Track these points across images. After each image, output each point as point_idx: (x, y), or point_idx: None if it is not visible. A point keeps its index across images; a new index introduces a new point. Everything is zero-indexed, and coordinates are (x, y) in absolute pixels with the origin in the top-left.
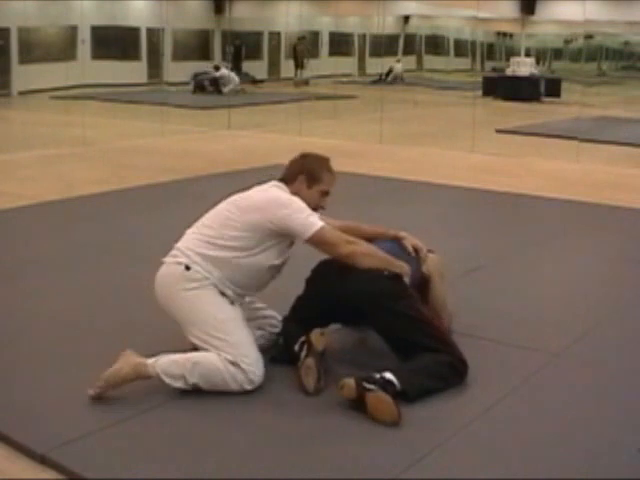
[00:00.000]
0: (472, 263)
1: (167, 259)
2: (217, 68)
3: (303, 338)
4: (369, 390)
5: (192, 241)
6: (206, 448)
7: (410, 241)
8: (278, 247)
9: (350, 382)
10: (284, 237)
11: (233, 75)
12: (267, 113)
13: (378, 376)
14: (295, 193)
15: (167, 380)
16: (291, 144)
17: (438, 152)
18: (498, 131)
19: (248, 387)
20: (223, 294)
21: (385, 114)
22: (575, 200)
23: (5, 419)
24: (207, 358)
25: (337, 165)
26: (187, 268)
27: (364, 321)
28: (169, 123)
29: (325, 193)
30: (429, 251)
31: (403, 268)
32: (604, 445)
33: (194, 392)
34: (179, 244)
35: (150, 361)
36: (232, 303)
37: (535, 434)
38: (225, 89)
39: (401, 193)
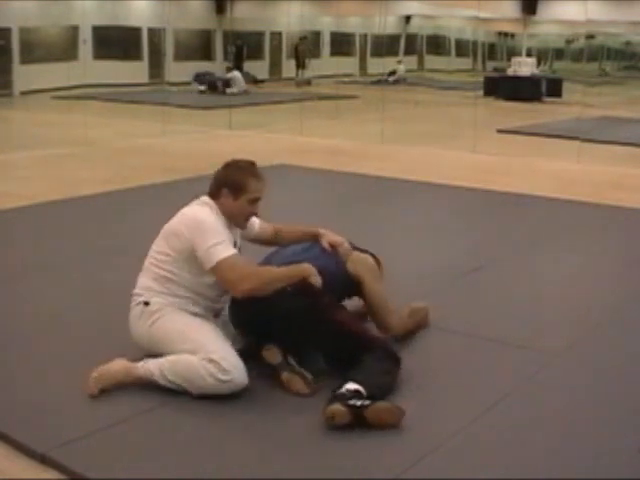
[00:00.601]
0: (472, 263)
1: (131, 306)
2: (229, 69)
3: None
4: (363, 406)
5: (142, 281)
6: (206, 448)
7: (328, 237)
8: None
9: (339, 408)
10: None
11: (241, 77)
12: (268, 113)
13: (345, 390)
14: (222, 206)
15: (151, 377)
16: (292, 144)
17: (439, 152)
18: (499, 131)
19: (224, 377)
20: (189, 312)
21: (386, 114)
22: (576, 200)
23: (5, 418)
24: (184, 356)
25: (338, 165)
26: (146, 304)
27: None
28: (170, 123)
29: (254, 200)
30: (357, 249)
31: (305, 271)
32: (604, 445)
33: None
34: (135, 290)
35: (140, 363)
36: (197, 316)
37: (535, 434)
38: (228, 90)
39: (402, 193)
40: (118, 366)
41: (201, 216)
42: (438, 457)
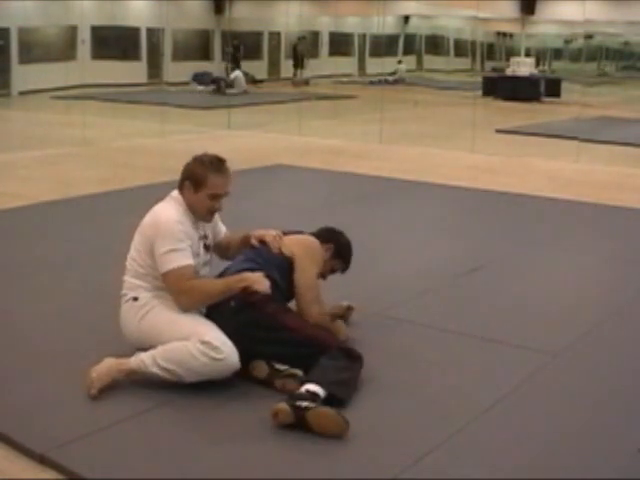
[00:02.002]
0: (472, 263)
1: (121, 304)
2: (233, 69)
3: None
4: (306, 409)
5: (127, 279)
6: (206, 448)
7: (255, 237)
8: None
9: (283, 407)
10: None
11: (242, 78)
12: (267, 113)
13: (304, 390)
14: (186, 199)
15: (143, 368)
16: (291, 144)
17: (438, 152)
18: (498, 131)
19: (217, 355)
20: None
21: (385, 114)
22: (575, 200)
23: (5, 419)
24: (176, 342)
25: (337, 165)
26: (135, 299)
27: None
28: (169, 123)
29: (215, 196)
30: (287, 233)
31: (245, 280)
32: (604, 445)
33: (193, 392)
34: (122, 290)
35: (132, 357)
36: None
37: (535, 434)
38: (228, 90)
39: (401, 193)
40: (109, 363)
41: (163, 217)
42: (438, 457)
